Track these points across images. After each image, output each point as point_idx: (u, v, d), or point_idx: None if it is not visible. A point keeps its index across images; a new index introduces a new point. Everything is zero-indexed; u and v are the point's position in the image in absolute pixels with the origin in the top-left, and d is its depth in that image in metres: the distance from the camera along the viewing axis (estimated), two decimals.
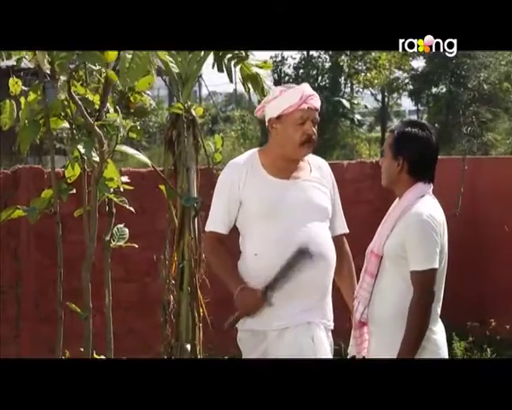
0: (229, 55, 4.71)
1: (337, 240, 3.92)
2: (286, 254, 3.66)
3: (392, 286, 3.52)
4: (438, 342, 3.54)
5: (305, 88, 3.76)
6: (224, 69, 4.70)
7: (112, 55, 3.97)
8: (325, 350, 3.70)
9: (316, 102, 3.75)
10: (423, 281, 3.44)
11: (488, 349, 7.11)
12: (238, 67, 4.72)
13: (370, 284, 3.58)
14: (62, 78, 4.02)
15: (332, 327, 3.83)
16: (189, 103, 4.64)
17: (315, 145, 3.78)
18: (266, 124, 3.81)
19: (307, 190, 3.77)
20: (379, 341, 3.56)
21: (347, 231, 3.99)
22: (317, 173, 3.83)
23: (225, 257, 3.79)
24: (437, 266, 3.46)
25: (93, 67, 4.17)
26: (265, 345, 3.69)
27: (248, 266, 3.75)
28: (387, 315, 3.52)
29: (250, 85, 4.75)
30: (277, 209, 3.70)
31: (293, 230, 3.69)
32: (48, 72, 4.05)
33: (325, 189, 3.84)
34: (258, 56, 4.72)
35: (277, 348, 3.65)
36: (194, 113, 4.62)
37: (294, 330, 3.66)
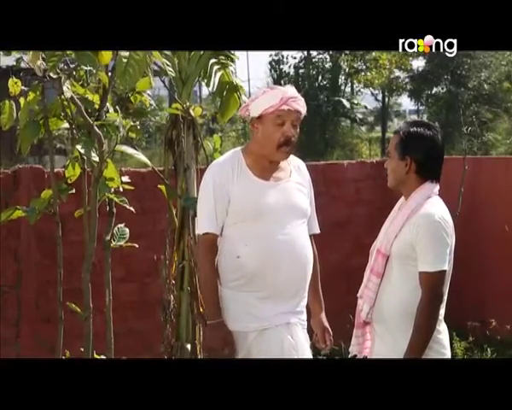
0: (214, 60, 4.71)
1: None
2: (267, 256, 3.66)
3: (400, 286, 3.52)
4: (443, 342, 3.55)
5: (288, 90, 3.77)
6: (202, 73, 4.71)
7: (106, 56, 3.97)
8: (305, 349, 3.73)
9: (298, 104, 3.74)
10: (433, 282, 3.44)
11: (488, 349, 7.11)
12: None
13: (377, 283, 3.58)
14: (61, 77, 4.03)
15: (306, 326, 3.85)
16: (188, 103, 4.64)
17: (294, 147, 3.78)
18: (249, 124, 3.82)
19: (289, 192, 3.79)
20: (384, 340, 3.56)
21: (319, 231, 3.98)
22: (296, 174, 3.86)
23: (214, 276, 3.75)
24: (447, 267, 3.47)
25: (84, 67, 4.16)
26: (247, 346, 3.71)
27: (230, 267, 3.75)
28: (394, 315, 3.52)
29: (224, 93, 4.77)
30: (261, 211, 3.71)
31: (275, 232, 3.70)
32: (40, 72, 4.04)
33: (305, 189, 3.86)
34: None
35: (259, 348, 3.68)
36: (192, 113, 4.62)
37: (274, 331, 3.69)
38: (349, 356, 3.73)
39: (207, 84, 4.76)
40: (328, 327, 3.95)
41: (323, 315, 3.97)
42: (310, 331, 3.93)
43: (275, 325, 3.69)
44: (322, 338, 3.93)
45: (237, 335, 3.72)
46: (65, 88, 4.08)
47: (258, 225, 3.70)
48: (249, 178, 3.75)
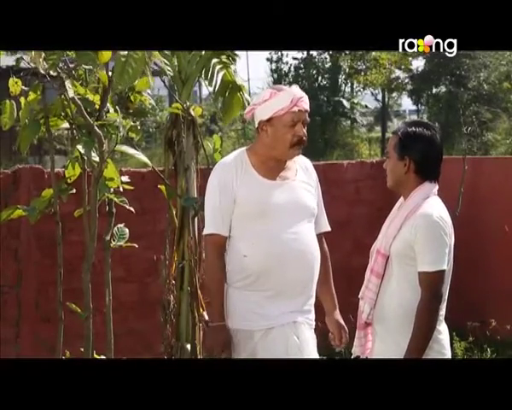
0: (216, 60, 4.71)
1: (319, 238, 3.92)
2: (273, 255, 3.67)
3: (400, 287, 3.52)
4: (443, 342, 3.55)
5: (296, 90, 3.77)
6: (203, 73, 4.71)
7: (106, 55, 3.96)
8: (311, 349, 3.73)
9: (306, 104, 3.76)
10: (432, 282, 3.44)
11: (488, 349, 7.11)
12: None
13: (377, 284, 3.58)
14: (62, 76, 4.03)
15: (314, 326, 3.85)
16: (188, 103, 4.64)
17: (305, 146, 3.79)
18: (256, 125, 3.81)
19: (296, 191, 3.79)
20: (385, 341, 3.56)
21: (329, 229, 3.98)
22: (303, 174, 3.86)
23: (221, 277, 3.75)
24: (446, 267, 3.47)
25: (85, 66, 4.16)
26: (253, 345, 3.71)
27: (236, 267, 3.74)
28: (394, 316, 3.52)
29: (226, 93, 4.77)
30: (267, 210, 3.71)
31: (282, 231, 3.71)
32: (43, 70, 4.04)
33: (311, 188, 3.86)
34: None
35: (264, 347, 3.68)
36: (193, 113, 4.62)
37: (281, 330, 3.69)
38: (351, 357, 3.72)
39: (209, 84, 4.76)
40: (344, 324, 3.93)
41: (337, 313, 3.95)
42: (326, 331, 3.93)
43: (281, 324, 3.69)
44: (339, 336, 3.91)
45: (243, 333, 3.72)
46: (67, 87, 4.08)
47: (265, 224, 3.70)
48: (254, 177, 3.75)
